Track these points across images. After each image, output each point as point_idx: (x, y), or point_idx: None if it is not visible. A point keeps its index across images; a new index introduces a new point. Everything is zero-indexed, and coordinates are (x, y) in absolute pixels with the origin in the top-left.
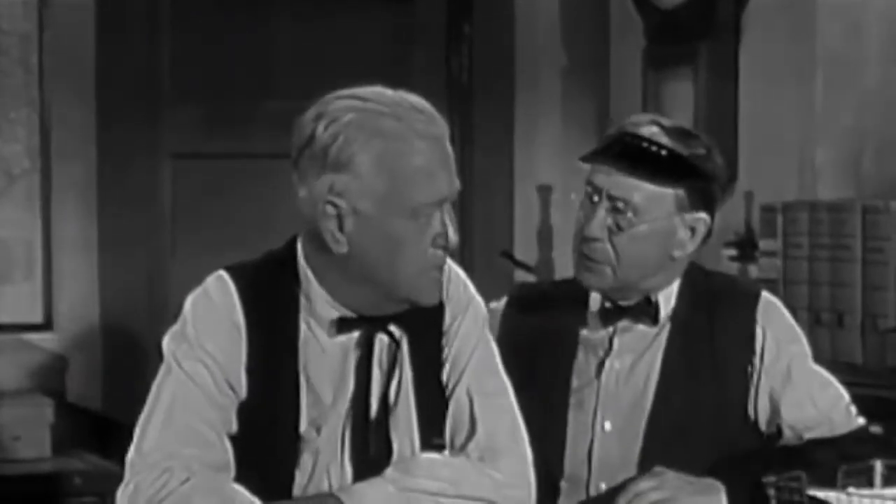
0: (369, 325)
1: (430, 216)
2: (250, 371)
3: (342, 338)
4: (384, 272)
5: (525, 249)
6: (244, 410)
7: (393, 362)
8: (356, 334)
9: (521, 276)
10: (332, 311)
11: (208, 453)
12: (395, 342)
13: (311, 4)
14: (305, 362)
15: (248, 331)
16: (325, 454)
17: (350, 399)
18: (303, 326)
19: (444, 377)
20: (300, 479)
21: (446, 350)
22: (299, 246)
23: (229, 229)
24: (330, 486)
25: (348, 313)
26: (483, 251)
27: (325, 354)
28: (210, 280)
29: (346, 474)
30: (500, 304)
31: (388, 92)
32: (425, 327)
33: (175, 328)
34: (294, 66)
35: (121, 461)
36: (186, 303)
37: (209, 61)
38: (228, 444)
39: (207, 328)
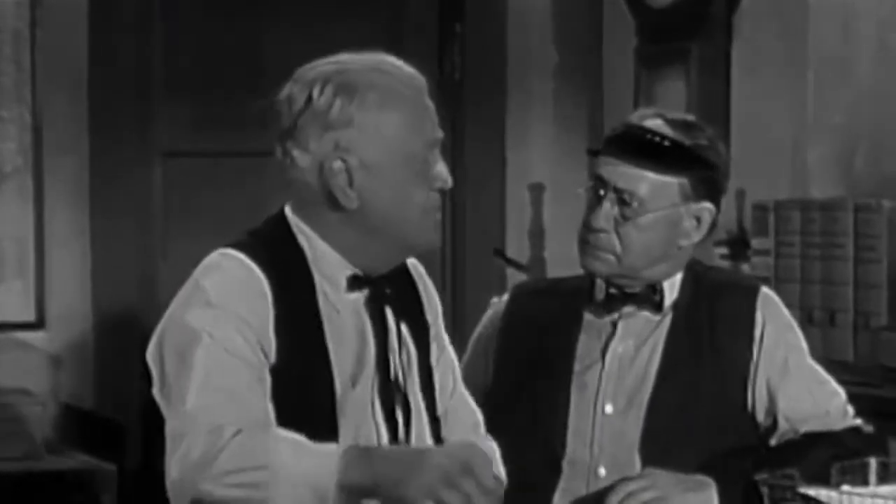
0: (376, 283)
1: (426, 161)
2: (279, 335)
3: (352, 296)
4: (394, 220)
5: (517, 248)
6: (276, 375)
7: (397, 324)
8: (364, 294)
9: (513, 274)
10: (345, 270)
11: (252, 413)
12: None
13: (301, 3)
14: (328, 325)
15: (274, 298)
16: (357, 415)
17: (374, 357)
18: (319, 291)
19: (433, 358)
20: (341, 441)
21: (432, 330)
22: (289, 216)
23: (221, 227)
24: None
25: (357, 271)
26: (475, 249)
27: (339, 315)
28: (216, 258)
29: (382, 434)
30: (503, 297)
31: (362, 55)
32: (411, 304)
33: (194, 306)
34: (285, 65)
35: (112, 459)
36: (199, 282)
37: (201, 60)
38: (269, 405)
39: (233, 296)
